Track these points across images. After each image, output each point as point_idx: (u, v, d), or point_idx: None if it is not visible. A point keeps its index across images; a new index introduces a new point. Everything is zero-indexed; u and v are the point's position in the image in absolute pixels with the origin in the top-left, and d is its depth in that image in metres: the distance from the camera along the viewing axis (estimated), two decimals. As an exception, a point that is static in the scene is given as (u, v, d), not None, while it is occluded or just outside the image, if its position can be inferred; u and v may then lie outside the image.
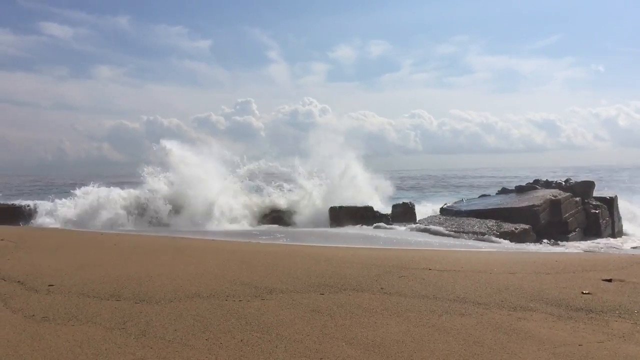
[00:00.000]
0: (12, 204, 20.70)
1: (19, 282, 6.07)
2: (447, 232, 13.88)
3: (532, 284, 5.97)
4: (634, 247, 13.05)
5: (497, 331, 4.26)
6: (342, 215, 19.76)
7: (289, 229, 18.42)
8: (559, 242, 14.17)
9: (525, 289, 5.72)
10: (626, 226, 18.63)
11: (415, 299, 5.32)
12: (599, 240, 15.57)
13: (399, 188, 56.76)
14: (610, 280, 6.14)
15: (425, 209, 23.59)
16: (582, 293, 5.50)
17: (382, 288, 5.77)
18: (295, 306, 5.00)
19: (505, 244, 12.37)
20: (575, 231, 15.27)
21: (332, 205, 20.79)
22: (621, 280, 6.13)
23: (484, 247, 11.30)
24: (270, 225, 19.88)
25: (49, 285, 5.85)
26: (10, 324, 4.44)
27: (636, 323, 4.48)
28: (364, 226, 18.24)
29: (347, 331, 4.25)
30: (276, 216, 21.45)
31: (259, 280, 6.11)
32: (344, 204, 20.71)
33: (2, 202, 22.05)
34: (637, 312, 4.81)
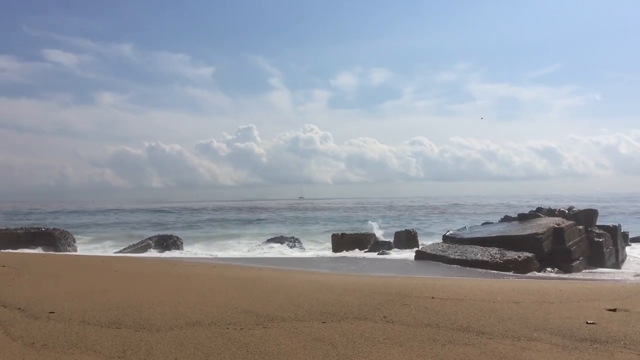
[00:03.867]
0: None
1: (19, 309, 6.04)
2: (450, 259, 13.82)
3: (536, 313, 5.91)
4: (637, 275, 12.95)
5: (501, 362, 4.20)
6: (344, 242, 19.75)
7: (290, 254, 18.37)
8: (563, 270, 14.08)
9: (529, 318, 5.66)
10: (630, 254, 18.53)
11: (418, 328, 5.26)
12: (602, 269, 15.46)
13: (400, 215, 56.75)
14: (614, 310, 6.07)
15: (427, 236, 23.55)
16: (587, 323, 5.44)
17: (384, 317, 5.72)
18: (296, 335, 4.96)
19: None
20: (578, 260, 15.15)
21: (334, 233, 20.79)
22: (626, 310, 6.07)
23: (487, 275, 11.25)
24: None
25: (50, 312, 5.81)
26: (10, 352, 4.40)
27: (642, 354, 4.42)
28: (366, 252, 18.21)
29: (349, 361, 4.20)
30: (278, 242, 21.43)
31: (260, 308, 6.07)
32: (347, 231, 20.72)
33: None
34: (643, 342, 4.74)
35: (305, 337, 4.90)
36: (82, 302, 6.43)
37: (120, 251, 20.46)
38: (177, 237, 22.29)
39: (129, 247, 21.29)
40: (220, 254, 20.70)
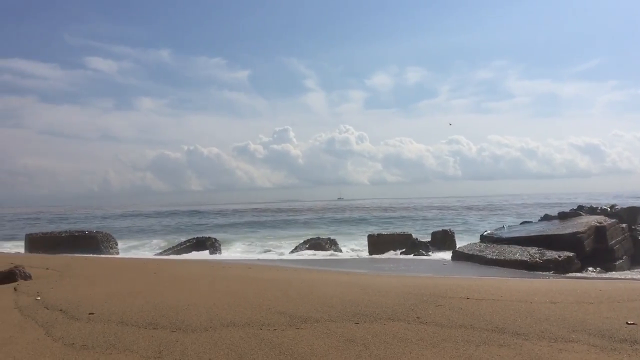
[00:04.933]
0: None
1: (60, 310, 6.23)
2: (487, 259, 13.62)
3: (574, 314, 5.78)
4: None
5: (537, 363, 4.13)
6: (381, 243, 19.67)
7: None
8: (605, 270, 13.71)
9: (567, 319, 5.54)
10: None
11: (452, 328, 5.21)
12: (648, 268, 15.00)
13: (437, 214, 56.17)
14: (657, 311, 5.89)
15: (465, 236, 23.27)
16: (627, 323, 5.29)
17: (418, 317, 5.68)
18: (329, 335, 4.97)
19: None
20: (622, 259, 14.74)
21: (370, 233, 20.73)
22: (669, 311, 5.88)
23: (526, 275, 11.04)
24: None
25: (90, 314, 5.98)
26: (51, 352, 4.55)
27: (685, 356, 4.28)
28: (402, 253, 18.11)
29: (381, 362, 4.19)
30: (315, 243, 21.45)
31: (293, 309, 6.11)
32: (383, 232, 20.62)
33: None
34: (686, 344, 4.59)
35: (338, 337, 4.91)
36: (120, 303, 6.58)
37: (160, 254, 20.87)
38: (215, 239, 22.57)
39: (168, 249, 21.69)
40: (257, 256, 20.90)
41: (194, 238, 22.69)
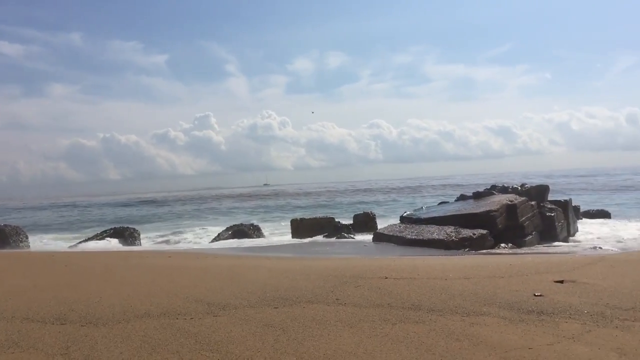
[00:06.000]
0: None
1: (-42, 309, 5.79)
2: (407, 239, 13.95)
3: (486, 288, 6.00)
4: (588, 248, 13.35)
5: (450, 338, 4.24)
6: (304, 227, 19.73)
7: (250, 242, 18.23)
8: (517, 245, 14.39)
9: (479, 293, 5.75)
10: (581, 228, 19.09)
11: (370, 308, 5.27)
12: (555, 242, 15.88)
13: (360, 198, 57.13)
14: (562, 282, 6.22)
15: (386, 218, 23.76)
16: (534, 295, 5.55)
17: (337, 299, 5.71)
18: (247, 322, 4.90)
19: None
20: (532, 234, 15.51)
21: (293, 218, 20.74)
22: (572, 281, 6.23)
23: (443, 253, 11.39)
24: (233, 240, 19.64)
25: (-9, 311, 5.59)
26: (-56, 355, 4.20)
27: (585, 324, 4.53)
28: (325, 237, 18.25)
29: (299, 345, 4.17)
30: (238, 230, 21.21)
31: (212, 297, 5.98)
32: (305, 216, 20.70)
33: None
34: (587, 312, 4.87)
35: (256, 323, 4.84)
36: (26, 299, 6.21)
37: (73, 246, 19.95)
38: (134, 229, 21.81)
39: (83, 241, 20.78)
40: (178, 245, 20.44)
41: (111, 228, 21.84)
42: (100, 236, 20.82)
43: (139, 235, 21.53)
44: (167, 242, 21.77)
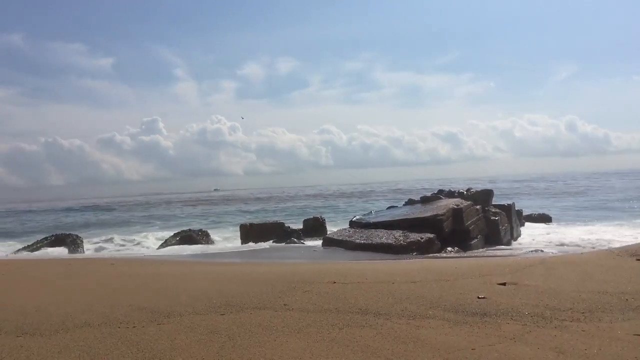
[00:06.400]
0: None
1: None
2: (356, 244, 14.03)
3: (432, 291, 6.09)
4: (530, 251, 13.76)
5: (395, 341, 4.27)
6: (253, 233, 19.54)
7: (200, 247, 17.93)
8: (462, 249, 14.69)
9: (426, 296, 5.82)
10: (524, 231, 19.69)
11: (318, 313, 5.26)
12: (499, 246, 16.30)
13: (310, 203, 57.20)
14: (504, 284, 6.38)
15: (336, 223, 23.86)
16: (478, 298, 5.67)
17: (285, 304, 5.68)
18: (193, 329, 4.80)
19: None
20: (477, 238, 15.86)
21: (243, 223, 20.55)
22: (514, 284, 6.40)
23: (391, 258, 11.51)
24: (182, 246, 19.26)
25: None
26: None
27: (526, 324, 4.65)
28: (274, 242, 18.16)
29: (245, 352, 4.11)
30: (186, 235, 20.82)
31: (157, 304, 5.84)
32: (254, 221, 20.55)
33: None
34: (528, 313, 5.00)
35: (202, 330, 4.75)
36: (-43, 310, 5.90)
37: (12, 254, 19.13)
38: (77, 236, 21.08)
39: (22, 248, 19.96)
40: (123, 252, 19.90)
41: (52, 235, 21.05)
42: (40, 243, 20.04)
43: (82, 242, 20.84)
44: (111, 249, 21.16)
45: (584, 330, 4.43)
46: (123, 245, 22.51)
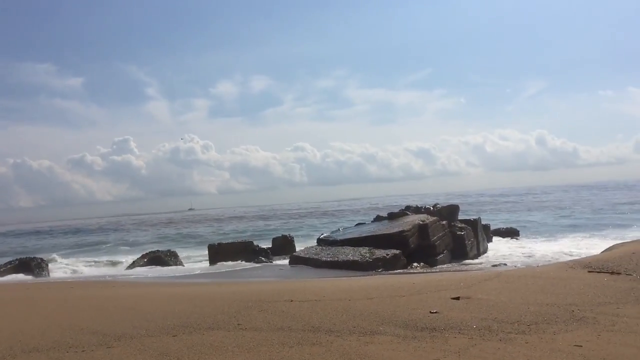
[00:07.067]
0: None
1: None
2: (322, 262, 14.06)
3: (386, 307, 6.15)
4: (492, 265, 13.97)
5: (343, 357, 4.30)
6: (221, 252, 19.43)
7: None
8: (429, 264, 14.83)
9: (379, 313, 5.88)
10: (490, 245, 19.95)
11: (271, 332, 5.27)
12: (465, 260, 16.48)
13: (282, 222, 57.04)
14: (458, 299, 6.48)
15: (305, 241, 23.86)
16: (430, 312, 5.75)
17: (239, 324, 5.67)
18: (142, 352, 4.76)
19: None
20: (443, 253, 16.05)
21: (211, 244, 20.42)
22: (468, 298, 6.50)
23: (358, 274, 11.56)
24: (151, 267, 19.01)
25: None
26: None
27: (472, 338, 4.74)
28: (244, 262, 18.08)
29: (191, 373, 4.10)
30: (155, 257, 20.57)
31: (109, 327, 5.77)
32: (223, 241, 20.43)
33: None
34: (475, 327, 5.09)
35: (152, 353, 4.72)
36: None
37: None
38: (42, 259, 20.68)
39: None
40: (90, 274, 19.57)
41: (16, 259, 20.61)
42: (4, 267, 19.60)
43: (47, 265, 20.44)
44: (77, 271, 20.79)
45: (527, 342, 4.53)
46: (90, 267, 22.17)
